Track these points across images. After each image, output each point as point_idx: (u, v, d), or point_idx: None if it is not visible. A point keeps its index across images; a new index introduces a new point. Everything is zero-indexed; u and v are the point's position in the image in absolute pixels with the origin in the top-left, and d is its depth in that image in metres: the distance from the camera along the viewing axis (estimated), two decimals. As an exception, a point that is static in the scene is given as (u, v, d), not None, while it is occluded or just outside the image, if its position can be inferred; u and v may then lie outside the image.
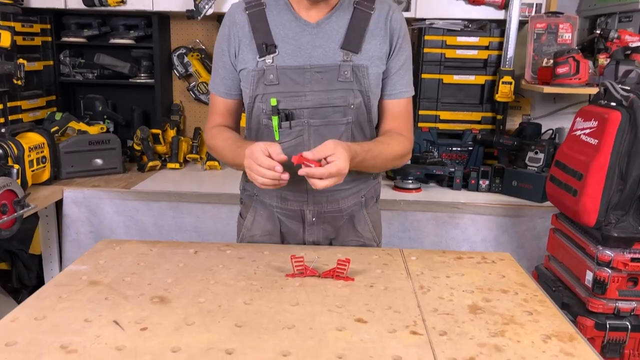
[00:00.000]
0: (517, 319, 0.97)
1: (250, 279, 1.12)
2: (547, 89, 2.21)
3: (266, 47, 1.22)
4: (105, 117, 2.77)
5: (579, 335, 0.92)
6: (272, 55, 1.22)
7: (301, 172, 1.07)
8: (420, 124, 2.47)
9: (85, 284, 1.07)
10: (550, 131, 2.48)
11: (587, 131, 1.59)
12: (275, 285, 1.09)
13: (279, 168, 1.09)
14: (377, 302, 1.02)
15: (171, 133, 2.62)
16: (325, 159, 1.07)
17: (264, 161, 1.09)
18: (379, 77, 1.27)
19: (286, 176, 1.10)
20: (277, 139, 1.24)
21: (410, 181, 2.20)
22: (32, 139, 2.01)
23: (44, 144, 2.04)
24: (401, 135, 1.28)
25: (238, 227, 1.44)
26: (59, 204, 2.12)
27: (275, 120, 1.22)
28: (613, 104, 1.56)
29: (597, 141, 1.54)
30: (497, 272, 1.20)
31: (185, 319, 0.93)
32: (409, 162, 2.35)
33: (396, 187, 2.22)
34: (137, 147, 2.56)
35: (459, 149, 2.46)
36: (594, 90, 2.13)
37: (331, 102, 1.23)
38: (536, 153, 2.24)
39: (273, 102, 1.21)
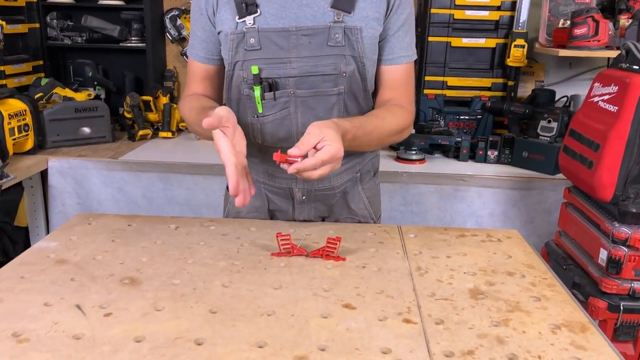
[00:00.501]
0: (523, 306, 0.88)
1: (232, 258, 1.04)
2: (563, 52, 2.08)
3: (246, 6, 1.09)
4: (95, 83, 2.67)
5: (593, 324, 0.84)
6: (253, 16, 1.10)
7: (291, 170, 0.94)
8: (426, 91, 2.35)
9: (52, 263, 1.00)
10: (565, 98, 2.36)
11: (606, 97, 1.47)
12: (258, 265, 1.01)
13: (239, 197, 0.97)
14: (368, 286, 0.94)
15: (163, 100, 2.52)
16: (315, 147, 0.94)
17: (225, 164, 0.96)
18: (374, 41, 1.14)
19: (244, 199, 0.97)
20: (260, 111, 1.13)
21: (414, 152, 2.10)
22: (13, 105, 1.92)
23: (25, 111, 1.95)
24: (400, 106, 1.16)
25: (224, 201, 1.35)
26: (44, 175, 2.04)
27: (257, 91, 1.11)
28: (636, 67, 1.43)
29: (616, 108, 1.42)
30: (503, 251, 1.11)
31: (155, 304, 0.85)
32: (413, 131, 2.24)
33: (399, 159, 2.12)
34: (127, 115, 2.46)
35: (466, 117, 2.35)
36: (613, 54, 2.00)
37: (320, 70, 1.11)
38: (549, 122, 2.13)
39: (254, 70, 1.10)
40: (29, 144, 1.98)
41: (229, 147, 0.94)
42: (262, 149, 1.18)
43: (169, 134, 2.42)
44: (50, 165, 2.01)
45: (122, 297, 0.87)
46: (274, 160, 0.94)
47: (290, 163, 0.94)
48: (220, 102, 1.21)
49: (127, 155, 2.10)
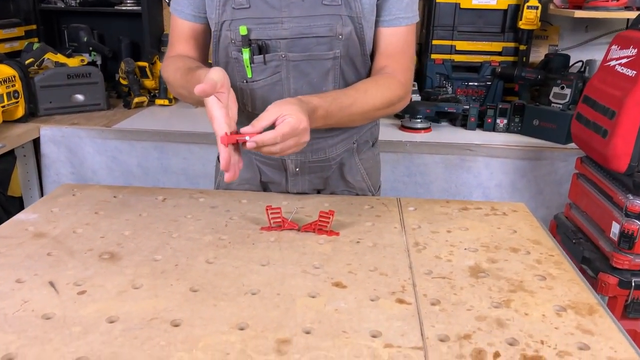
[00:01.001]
0: (526, 285, 0.83)
1: (219, 232, 0.99)
2: (579, 14, 1.97)
3: None
4: (91, 49, 2.59)
5: (601, 306, 0.78)
6: None
7: (249, 145, 0.85)
8: (433, 56, 2.26)
9: (30, 237, 0.96)
10: (580, 64, 2.25)
11: (624, 61, 1.38)
12: (246, 240, 0.96)
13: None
14: (361, 262, 0.88)
15: (160, 66, 2.44)
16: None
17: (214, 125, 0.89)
18: (373, 0, 1.06)
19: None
20: (249, 76, 1.06)
21: (419, 120, 2.02)
22: (1, 71, 1.86)
23: (14, 77, 1.89)
24: (390, 77, 1.06)
25: (215, 172, 1.30)
26: (37, 144, 2.00)
27: (246, 54, 1.04)
28: (658, 28, 1.34)
29: (635, 73, 1.34)
30: (508, 226, 1.05)
31: (133, 281, 0.81)
32: (419, 99, 2.16)
33: (403, 127, 2.05)
34: (123, 82, 2.40)
35: (475, 84, 2.26)
36: (633, 14, 1.89)
37: (314, 32, 1.03)
38: (562, 88, 2.03)
39: (243, 30, 1.03)
40: (20, 112, 1.93)
41: (223, 115, 0.88)
42: (252, 117, 1.12)
43: (166, 102, 2.35)
44: (43, 134, 1.96)
45: (99, 274, 0.83)
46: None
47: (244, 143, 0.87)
48: (206, 65, 1.13)
49: (122, 123, 2.05)
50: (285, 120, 0.85)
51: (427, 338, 0.69)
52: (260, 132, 0.86)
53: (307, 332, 0.70)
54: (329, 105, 0.95)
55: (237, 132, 0.89)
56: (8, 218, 1.93)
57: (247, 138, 0.86)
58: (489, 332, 0.71)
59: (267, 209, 0.99)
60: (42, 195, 2.06)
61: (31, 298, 0.76)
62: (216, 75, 0.87)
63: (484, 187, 1.90)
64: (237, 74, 1.08)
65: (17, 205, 2.04)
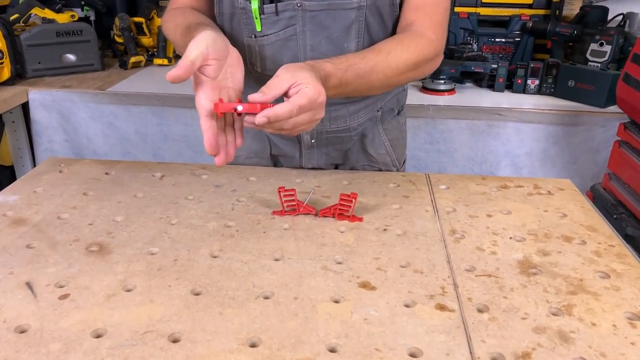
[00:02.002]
0: (588, 285, 0.71)
1: (225, 217, 0.87)
2: (626, -40, 1.78)
3: None
4: (82, 3, 2.43)
5: (681, 313, 0.67)
6: None
7: (258, 120, 0.71)
8: (457, 9, 2.08)
9: (7, 224, 0.84)
10: (620, 17, 2.07)
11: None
12: (256, 227, 0.84)
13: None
14: (390, 256, 0.77)
15: (158, 22, 2.28)
16: (286, 94, 0.74)
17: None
18: None
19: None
20: (258, 29, 0.92)
21: (442, 81, 1.87)
22: (-18, 29, 1.71)
23: (-3, 35, 1.75)
24: (418, 34, 0.90)
25: (220, 143, 1.17)
26: (26, 109, 1.87)
27: (255, 2, 0.90)
28: None
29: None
30: (556, 208, 0.93)
31: (125, 281, 0.70)
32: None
33: (424, 89, 1.90)
34: (118, 40, 2.24)
35: (503, 40, 2.08)
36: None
37: None
38: (601, 45, 1.87)
39: None
40: (5, 74, 1.79)
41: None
42: (261, 80, 0.98)
43: (165, 61, 2.20)
44: (32, 98, 1.83)
45: (85, 272, 0.72)
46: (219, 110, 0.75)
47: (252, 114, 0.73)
48: (212, 17, 0.99)
49: (118, 85, 1.91)
50: (301, 90, 0.72)
51: (477, 358, 0.58)
52: (271, 104, 0.73)
53: (333, 351, 0.59)
54: (344, 73, 0.82)
55: (243, 103, 0.75)
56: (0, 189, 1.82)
57: (238, 108, 0.73)
58: (551, 348, 0.60)
59: (279, 191, 0.87)
60: (34, 164, 1.95)
61: (4, 304, 0.66)
62: (195, 50, 0.73)
63: (512, 155, 1.76)
64: (244, 28, 0.94)
65: (8, 175, 1.93)
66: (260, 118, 0.72)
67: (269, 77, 0.97)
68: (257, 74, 0.98)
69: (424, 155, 1.76)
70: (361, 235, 0.82)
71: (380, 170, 1.09)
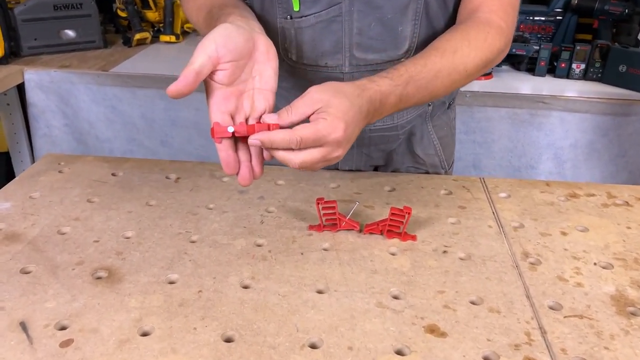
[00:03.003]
0: None
1: (254, 232, 0.76)
2: None
3: None
4: (82, -27, 2.27)
5: None
6: None
7: (251, 141, 0.62)
8: (493, -17, 1.92)
9: (-1, 240, 0.73)
10: (674, -6, 1.91)
11: None
12: (291, 247, 0.73)
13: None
14: (458, 288, 0.65)
15: (165, -5, 2.13)
16: (308, 118, 0.62)
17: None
18: None
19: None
20: (295, 9, 0.79)
21: (477, 63, 1.72)
22: (-28, 2, 1.58)
23: (-11, 9, 1.61)
24: (487, 25, 0.76)
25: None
26: (22, 90, 1.75)
27: None
28: None
29: None
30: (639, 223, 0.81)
31: (140, 321, 0.59)
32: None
33: (458, 72, 1.76)
34: (121, 14, 2.10)
35: (543, 18, 1.93)
36: None
37: None
38: (655, 25, 1.71)
39: None
40: (-1, 52, 1.66)
41: (215, 107, 0.64)
42: (297, 70, 0.86)
43: (172, 38, 2.06)
44: (27, 78, 1.70)
45: (91, 307, 0.61)
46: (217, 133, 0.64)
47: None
48: None
49: (121, 65, 1.78)
50: (317, 121, 0.60)
51: None
52: (290, 126, 0.62)
53: None
54: (404, 87, 0.69)
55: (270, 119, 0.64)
56: (-7, 177, 1.70)
57: (229, 129, 0.63)
58: None
59: (317, 203, 0.75)
60: (31, 151, 1.83)
61: (-7, 353, 0.54)
62: (201, 56, 0.60)
63: (555, 147, 1.63)
64: (277, 8, 0.81)
65: (4, 162, 1.82)
66: (253, 140, 0.61)
67: (306, 66, 0.85)
68: (291, 62, 0.85)
69: (458, 146, 1.62)
70: (418, 260, 0.70)
71: (427, 172, 0.97)
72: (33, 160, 1.85)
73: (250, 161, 0.66)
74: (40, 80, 1.71)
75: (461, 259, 0.71)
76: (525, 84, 1.71)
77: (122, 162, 0.97)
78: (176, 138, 1.75)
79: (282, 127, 0.62)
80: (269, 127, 0.62)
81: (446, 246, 0.74)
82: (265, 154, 0.66)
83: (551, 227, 0.79)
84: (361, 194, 0.87)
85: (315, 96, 0.61)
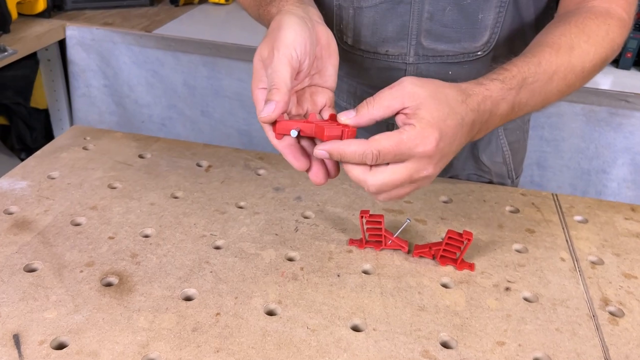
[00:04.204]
0: None
1: (287, 242, 0.67)
2: None
3: None
4: None
5: None
6: None
7: (317, 151, 0.51)
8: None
9: (7, 226, 0.67)
10: None
11: None
12: (327, 265, 0.64)
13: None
14: (521, 340, 0.55)
15: (216, -49, 2.03)
16: (395, 117, 0.51)
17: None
18: None
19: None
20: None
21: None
22: (15, -50, 1.52)
23: (33, -42, 1.56)
24: (607, 15, 0.63)
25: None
26: (63, 46, 1.70)
27: None
28: None
29: None
30: None
31: (147, 347, 0.52)
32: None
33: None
34: (171, -30, 2.02)
35: (634, 2, 1.73)
36: None
37: None
38: None
39: None
40: (41, 5, 1.61)
41: (285, 86, 0.53)
42: (351, 56, 0.76)
43: (221, 0, 1.97)
44: (69, 35, 1.65)
45: (94, 323, 0.54)
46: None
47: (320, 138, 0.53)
48: None
49: (166, 26, 1.70)
50: (404, 125, 0.49)
51: None
52: (364, 123, 0.51)
53: None
54: (517, 93, 0.55)
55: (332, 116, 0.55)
56: (32, 134, 1.68)
57: (293, 133, 0.53)
58: None
59: (361, 216, 0.65)
60: (70, 110, 1.80)
61: (-21, 371, 0.49)
62: (284, 70, 0.52)
63: (633, 152, 1.47)
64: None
65: (42, 119, 1.79)
66: (319, 150, 0.51)
67: (362, 52, 0.74)
68: (346, 46, 0.74)
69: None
70: (475, 296, 0.61)
71: (491, 182, 0.86)
72: (71, 120, 1.82)
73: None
74: (81, 37, 1.66)
75: (527, 300, 0.61)
76: (607, 77, 1.54)
77: (151, 141, 0.90)
78: (217, 109, 1.68)
79: (360, 126, 0.52)
80: (342, 132, 0.52)
81: (509, 281, 0.63)
82: None
83: (637, 267, 0.67)
84: (412, 204, 0.77)
85: (408, 89, 0.50)
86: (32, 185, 0.76)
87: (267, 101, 0.52)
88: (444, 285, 0.62)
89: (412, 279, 0.63)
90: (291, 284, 0.61)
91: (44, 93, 1.77)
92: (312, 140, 0.57)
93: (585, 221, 0.76)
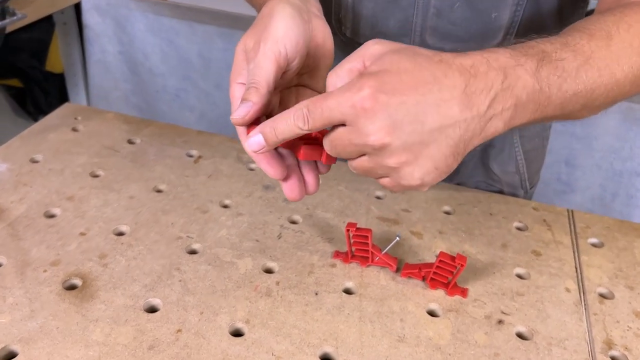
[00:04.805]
0: None
1: (267, 251, 0.63)
2: None
3: None
4: None
5: None
6: None
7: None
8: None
9: (-21, 215, 0.65)
10: None
11: None
12: (306, 280, 0.60)
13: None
14: (506, 387, 0.51)
15: None
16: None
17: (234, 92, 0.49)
18: None
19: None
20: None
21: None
22: None
23: None
24: None
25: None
26: (79, 11, 1.67)
27: None
28: None
29: None
30: None
31: (96, 365, 0.49)
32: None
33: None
34: None
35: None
36: None
37: None
38: None
39: None
40: (56, -34, 1.57)
41: (266, 80, 0.47)
42: (351, 47, 0.69)
43: (245, -34, 1.90)
44: (85, -2, 1.62)
45: (48, 332, 0.51)
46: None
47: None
48: None
49: (183, -6, 1.65)
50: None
51: None
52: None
53: None
54: (539, 64, 0.43)
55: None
56: (47, 98, 1.67)
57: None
58: None
59: (347, 229, 0.61)
60: (85, 75, 1.78)
61: None
62: (267, 66, 0.46)
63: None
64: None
65: (57, 83, 1.78)
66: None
67: (363, 41, 0.68)
68: (346, 39, 0.68)
69: (552, 136, 1.41)
70: (462, 329, 0.56)
71: (502, 192, 0.79)
72: (87, 86, 1.81)
73: (300, 167, 0.51)
74: (97, 1, 1.62)
75: (520, 336, 0.56)
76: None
77: (143, 125, 0.86)
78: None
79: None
80: (322, 152, 0.46)
81: (504, 313, 0.58)
82: (321, 167, 0.52)
83: (652, 304, 0.61)
84: (410, 213, 0.72)
85: (371, 48, 0.43)
86: (12, 168, 0.73)
87: (243, 100, 0.46)
88: (431, 313, 0.58)
89: (396, 303, 0.58)
90: (263, 301, 0.57)
91: (59, 57, 1.75)
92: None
93: (600, 245, 0.70)
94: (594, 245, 0.70)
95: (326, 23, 0.52)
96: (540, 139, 0.80)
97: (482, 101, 0.40)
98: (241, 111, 0.46)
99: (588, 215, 0.75)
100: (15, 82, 1.73)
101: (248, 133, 0.47)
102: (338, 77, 0.44)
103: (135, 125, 0.86)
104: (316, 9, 0.52)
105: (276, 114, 0.52)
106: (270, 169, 0.48)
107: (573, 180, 1.46)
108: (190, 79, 1.67)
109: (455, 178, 0.79)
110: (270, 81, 0.46)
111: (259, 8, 0.56)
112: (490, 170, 0.78)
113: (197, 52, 1.62)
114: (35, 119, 1.83)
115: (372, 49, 0.43)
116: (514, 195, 0.80)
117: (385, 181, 0.45)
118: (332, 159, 0.47)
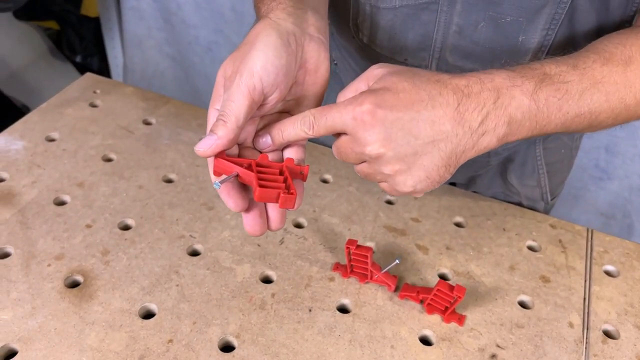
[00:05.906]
0: None
1: (267, 257, 0.64)
2: None
3: None
4: None
5: None
6: None
7: (261, 143, 0.49)
8: None
9: (-8, 198, 0.67)
10: None
11: None
12: (302, 294, 0.60)
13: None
14: None
15: None
16: None
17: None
18: None
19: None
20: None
21: None
22: None
23: None
24: None
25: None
26: (115, -47, 1.64)
27: None
28: None
29: None
30: None
31: (87, 373, 0.51)
32: None
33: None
34: None
35: None
36: None
37: None
38: None
39: None
40: None
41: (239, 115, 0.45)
42: (369, 52, 0.66)
43: None
44: (120, -58, 1.58)
45: (46, 331, 0.54)
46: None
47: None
48: None
49: (221, -60, 1.59)
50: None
51: None
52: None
53: None
54: (538, 85, 0.44)
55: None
56: (82, 43, 1.67)
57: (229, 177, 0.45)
58: None
59: (347, 247, 0.60)
60: (120, 21, 1.77)
61: None
62: (239, 101, 0.44)
63: None
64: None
65: (92, 27, 1.78)
66: (262, 139, 0.49)
67: (380, 50, 0.65)
68: (362, 44, 0.65)
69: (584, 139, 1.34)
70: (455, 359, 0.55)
71: (520, 205, 0.76)
72: (121, 32, 1.80)
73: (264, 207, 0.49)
74: (132, -54, 1.58)
75: (512, 374, 0.55)
76: None
77: (161, 103, 0.85)
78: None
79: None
80: (278, 195, 0.45)
81: (499, 346, 0.57)
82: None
83: (658, 349, 0.59)
84: (420, 223, 0.70)
85: (375, 71, 0.47)
86: (27, 147, 0.75)
87: (210, 132, 0.44)
88: (423, 340, 0.57)
89: (390, 327, 0.58)
90: (256, 314, 0.57)
91: (94, 1, 1.73)
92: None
93: (616, 274, 0.67)
94: (608, 273, 0.67)
95: (325, 45, 0.49)
96: (568, 149, 0.75)
97: (475, 118, 0.43)
98: (204, 144, 0.44)
99: (608, 237, 0.72)
100: (52, 24, 1.74)
101: (214, 162, 0.45)
102: (345, 98, 0.47)
103: (153, 102, 0.85)
104: (314, 29, 0.49)
105: (251, 141, 0.49)
106: (229, 200, 0.46)
107: (612, 167, 1.40)
108: (223, 33, 1.64)
109: (472, 187, 0.77)
110: (240, 116, 0.44)
111: (257, 19, 0.53)
112: (509, 182, 0.74)
113: (230, 5, 1.57)
114: (72, 61, 1.85)
115: (375, 71, 0.47)
116: (533, 208, 0.77)
117: (384, 185, 0.48)
118: (288, 204, 0.45)
